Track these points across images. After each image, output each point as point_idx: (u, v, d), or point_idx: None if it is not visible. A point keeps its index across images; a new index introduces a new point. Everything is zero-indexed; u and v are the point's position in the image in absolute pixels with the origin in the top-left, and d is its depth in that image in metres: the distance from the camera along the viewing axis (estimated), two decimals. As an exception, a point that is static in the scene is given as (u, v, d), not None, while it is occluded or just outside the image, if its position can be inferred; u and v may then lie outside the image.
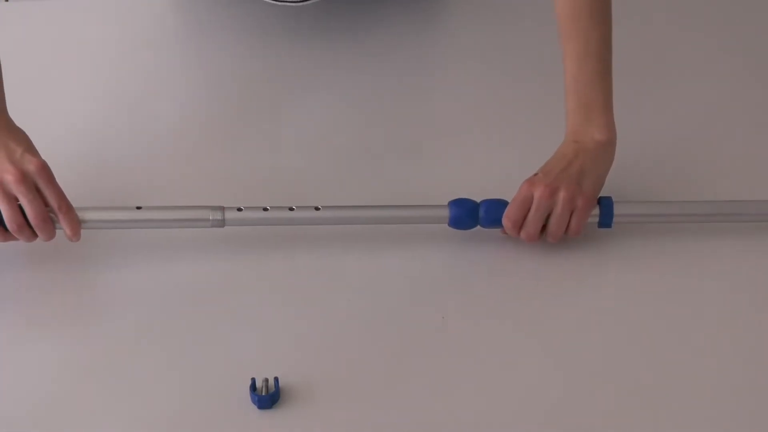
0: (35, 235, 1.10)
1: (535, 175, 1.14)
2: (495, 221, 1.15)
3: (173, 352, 1.06)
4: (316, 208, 1.14)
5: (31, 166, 1.08)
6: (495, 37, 1.45)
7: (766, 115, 1.36)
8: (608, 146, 1.15)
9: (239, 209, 1.13)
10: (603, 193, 1.15)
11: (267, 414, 0.99)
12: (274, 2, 1.36)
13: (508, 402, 1.02)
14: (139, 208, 1.13)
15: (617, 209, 1.15)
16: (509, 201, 1.14)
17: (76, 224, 1.11)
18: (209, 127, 1.32)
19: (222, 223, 1.13)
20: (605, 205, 1.15)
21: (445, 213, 1.15)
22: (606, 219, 1.15)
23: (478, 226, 1.16)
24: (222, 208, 1.13)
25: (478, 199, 1.15)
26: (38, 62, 1.40)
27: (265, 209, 1.14)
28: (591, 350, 1.07)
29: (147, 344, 1.07)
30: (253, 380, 1.00)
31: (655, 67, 1.42)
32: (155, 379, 1.03)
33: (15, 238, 1.10)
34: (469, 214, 1.15)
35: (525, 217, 1.13)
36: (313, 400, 1.01)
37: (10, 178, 1.07)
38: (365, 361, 1.05)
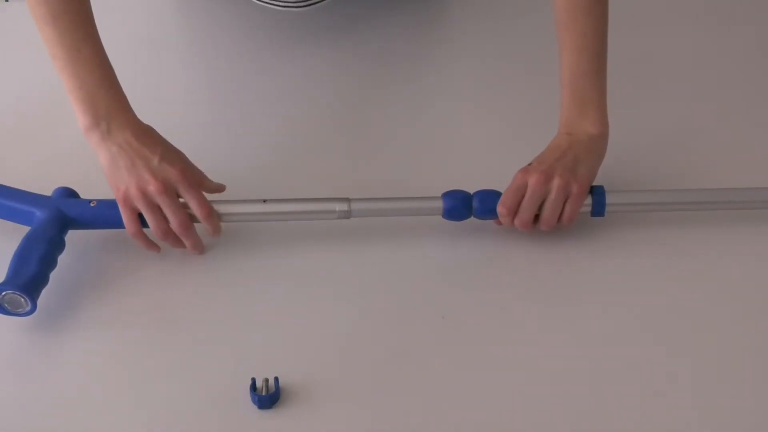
0: (180, 242, 1.13)
1: (530, 164, 1.15)
2: (489, 211, 1.15)
3: (174, 352, 1.07)
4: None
5: (170, 174, 1.09)
6: (489, 34, 1.45)
7: (757, 105, 1.36)
8: (601, 139, 1.15)
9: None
10: (595, 183, 1.16)
11: (267, 414, 1.01)
12: (277, 7, 1.36)
13: (508, 396, 1.03)
14: (264, 201, 1.14)
15: (609, 198, 1.16)
16: (502, 192, 1.15)
17: (218, 224, 1.13)
18: (208, 127, 1.33)
19: (348, 214, 1.15)
20: (598, 193, 1.16)
21: (439, 204, 1.16)
22: (599, 207, 1.16)
23: (472, 218, 1.17)
24: (348, 200, 1.14)
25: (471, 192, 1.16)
26: (38, 62, 1.41)
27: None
28: (586, 339, 1.08)
29: (147, 345, 1.08)
30: (253, 380, 1.02)
31: (645, 59, 1.42)
32: (155, 379, 1.04)
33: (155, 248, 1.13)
34: (463, 205, 1.16)
35: (519, 205, 1.14)
36: (313, 400, 1.02)
37: (152, 189, 1.08)
38: (365, 360, 1.06)
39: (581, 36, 1.16)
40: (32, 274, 1.07)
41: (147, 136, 1.11)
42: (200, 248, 1.14)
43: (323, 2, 1.36)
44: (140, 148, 1.09)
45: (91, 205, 1.14)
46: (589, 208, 1.16)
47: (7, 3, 1.52)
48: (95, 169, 1.24)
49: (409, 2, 1.49)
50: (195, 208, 1.11)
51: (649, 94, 1.37)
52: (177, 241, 1.13)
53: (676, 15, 1.50)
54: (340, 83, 1.39)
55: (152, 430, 1.01)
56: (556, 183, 1.12)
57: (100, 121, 1.09)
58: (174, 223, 1.11)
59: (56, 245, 1.11)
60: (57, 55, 1.10)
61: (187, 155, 1.14)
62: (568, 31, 1.16)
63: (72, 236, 1.14)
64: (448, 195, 1.16)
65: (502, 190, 1.15)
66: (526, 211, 1.14)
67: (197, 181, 1.13)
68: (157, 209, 1.10)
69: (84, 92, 1.09)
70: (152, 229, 1.11)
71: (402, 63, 1.42)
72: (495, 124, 1.33)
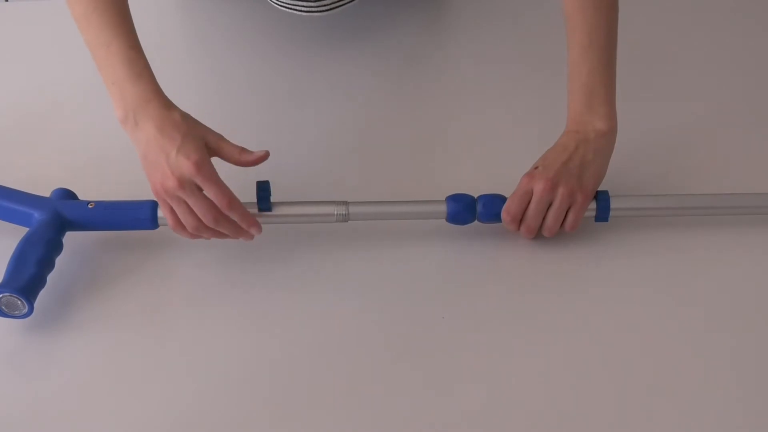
0: (218, 233, 1.10)
1: (536, 168, 1.14)
2: (493, 216, 1.15)
3: (171, 354, 1.07)
4: None
5: (184, 169, 1.05)
6: (492, 34, 1.45)
7: (763, 109, 1.36)
8: (609, 136, 1.14)
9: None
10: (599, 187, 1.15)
11: (267, 414, 1.00)
12: (300, 12, 1.36)
13: (509, 397, 1.03)
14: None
15: (614, 203, 1.15)
16: (506, 196, 1.14)
17: (248, 217, 1.10)
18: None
19: (346, 217, 1.14)
20: (602, 199, 1.15)
21: (443, 208, 1.15)
22: (603, 213, 1.15)
23: (476, 222, 1.16)
24: (346, 203, 1.14)
25: (475, 195, 1.16)
26: (38, 62, 1.41)
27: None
28: (589, 343, 1.08)
29: (144, 347, 1.07)
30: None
31: (652, 61, 1.41)
32: (152, 381, 1.04)
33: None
34: (467, 209, 1.15)
35: (524, 211, 1.13)
36: (314, 400, 1.02)
37: (171, 185, 1.06)
38: (365, 360, 1.06)
39: (590, 30, 1.15)
40: (30, 277, 1.06)
41: (169, 126, 1.07)
42: (253, 226, 1.10)
43: (344, 6, 1.35)
44: (162, 140, 1.07)
45: (90, 206, 1.13)
46: (593, 213, 1.15)
47: (7, 3, 1.52)
48: (94, 170, 1.24)
49: (409, 2, 1.49)
50: (214, 200, 1.07)
51: (654, 94, 1.37)
52: (214, 233, 1.10)
53: (689, 11, 1.50)
54: (340, 85, 1.38)
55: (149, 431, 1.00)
56: (560, 192, 1.12)
57: (129, 114, 1.08)
58: (200, 215, 1.08)
59: (54, 247, 1.10)
60: (93, 52, 1.10)
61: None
62: (576, 25, 1.15)
63: (70, 237, 1.14)
64: (453, 199, 1.16)
65: (503, 193, 1.15)
66: (532, 219, 1.13)
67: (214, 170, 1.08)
68: (182, 203, 1.08)
69: (116, 86, 1.09)
70: (185, 224, 1.09)
71: (403, 64, 1.42)
72: (498, 126, 1.32)
